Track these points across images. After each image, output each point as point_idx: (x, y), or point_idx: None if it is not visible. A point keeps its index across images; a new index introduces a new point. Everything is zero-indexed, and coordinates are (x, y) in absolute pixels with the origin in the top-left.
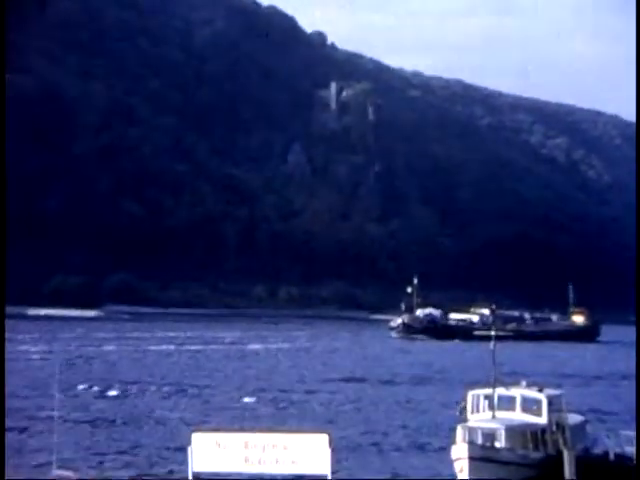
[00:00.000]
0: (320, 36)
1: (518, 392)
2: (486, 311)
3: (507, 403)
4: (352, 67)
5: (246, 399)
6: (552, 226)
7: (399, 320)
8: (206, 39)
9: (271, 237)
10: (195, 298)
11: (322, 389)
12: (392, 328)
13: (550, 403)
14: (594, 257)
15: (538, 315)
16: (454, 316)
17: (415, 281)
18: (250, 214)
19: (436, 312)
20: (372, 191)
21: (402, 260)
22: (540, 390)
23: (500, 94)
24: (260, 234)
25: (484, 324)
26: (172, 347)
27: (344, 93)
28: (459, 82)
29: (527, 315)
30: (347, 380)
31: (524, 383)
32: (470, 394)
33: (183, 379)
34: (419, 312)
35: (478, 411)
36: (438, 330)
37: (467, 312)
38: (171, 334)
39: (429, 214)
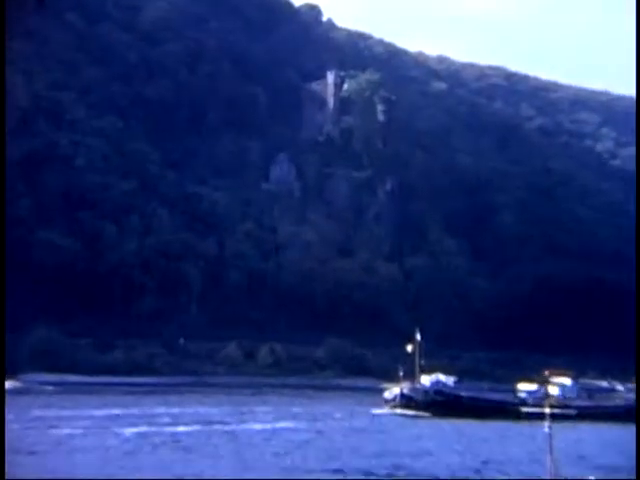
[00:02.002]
0: (313, 10)
1: None
2: (567, 381)
3: None
4: (355, 51)
5: None
6: (625, 264)
7: (395, 390)
8: (159, 15)
9: (248, 279)
10: (145, 362)
11: None
12: (387, 401)
13: None
14: None
15: (630, 385)
16: (523, 387)
17: (418, 336)
18: (220, 248)
19: (448, 379)
20: (382, 217)
21: (423, 309)
22: None
23: (556, 86)
24: (233, 275)
25: (565, 398)
26: (111, 430)
27: (345, 86)
28: (500, 70)
29: (620, 387)
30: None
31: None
32: None
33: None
34: (424, 379)
35: None
36: (450, 405)
37: (541, 381)
38: (113, 411)
39: (458, 247)
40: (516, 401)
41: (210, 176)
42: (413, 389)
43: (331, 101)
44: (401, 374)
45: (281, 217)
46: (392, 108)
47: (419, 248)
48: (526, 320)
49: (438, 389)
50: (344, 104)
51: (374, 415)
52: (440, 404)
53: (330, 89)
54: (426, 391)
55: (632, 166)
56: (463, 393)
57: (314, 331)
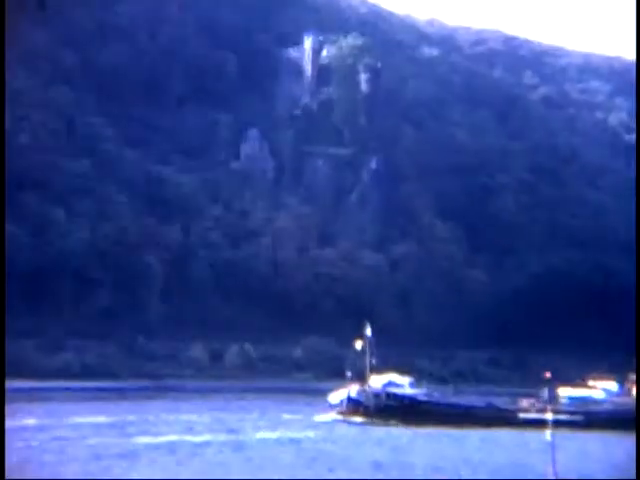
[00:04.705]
0: None
1: None
2: (613, 385)
3: None
4: (336, 13)
5: None
6: None
7: (342, 394)
8: None
9: (216, 270)
10: (100, 364)
11: None
12: (333, 406)
13: None
14: None
15: None
16: (565, 392)
17: (368, 331)
18: (184, 236)
19: (402, 380)
20: (366, 200)
21: (412, 303)
22: None
23: (562, 51)
24: (199, 266)
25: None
26: (58, 443)
27: (324, 52)
28: (498, 35)
29: None
30: None
31: None
32: None
33: None
34: (374, 381)
35: None
36: (405, 410)
37: (585, 386)
38: (65, 420)
39: (452, 234)
40: (490, 406)
41: (173, 155)
42: (362, 392)
43: (309, 69)
44: (349, 375)
45: (253, 201)
46: (377, 77)
47: (408, 235)
48: (529, 316)
49: (390, 392)
50: (323, 73)
51: (316, 423)
52: (393, 409)
53: (308, 56)
54: (377, 394)
55: None
56: (420, 397)
57: (290, 329)
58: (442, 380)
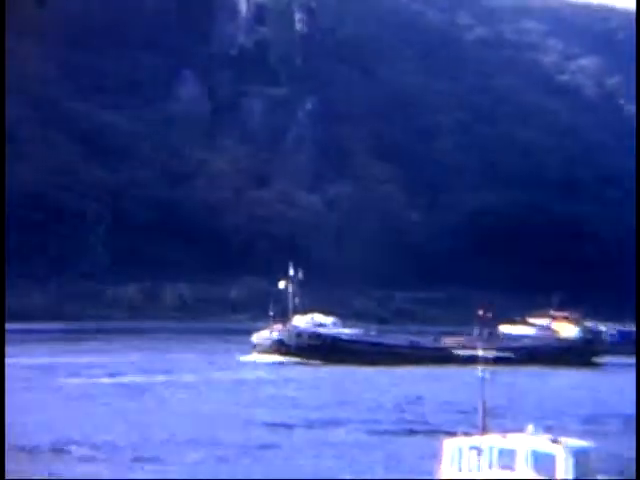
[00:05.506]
0: None
1: (522, 443)
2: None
3: (505, 459)
4: None
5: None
6: (574, 191)
7: (265, 333)
8: None
9: (150, 212)
10: (30, 306)
11: None
12: (256, 346)
13: (574, 461)
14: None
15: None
16: (507, 330)
17: (291, 271)
18: (119, 176)
19: (326, 320)
20: (302, 140)
21: (349, 245)
22: (555, 441)
23: None
24: (134, 206)
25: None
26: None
27: None
28: None
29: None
30: None
31: (530, 428)
32: (447, 445)
33: None
34: (298, 321)
35: (460, 470)
36: (328, 349)
37: (524, 323)
38: (26, 360)
39: (388, 175)
40: (414, 344)
41: (108, 96)
42: (285, 332)
43: (244, 9)
44: (271, 314)
45: (188, 142)
46: (312, 17)
47: (343, 175)
48: (465, 255)
49: (313, 332)
50: (259, 13)
51: (238, 363)
52: (316, 348)
53: None
54: (300, 334)
55: (582, 80)
56: (343, 336)
57: (226, 270)
58: (379, 320)
